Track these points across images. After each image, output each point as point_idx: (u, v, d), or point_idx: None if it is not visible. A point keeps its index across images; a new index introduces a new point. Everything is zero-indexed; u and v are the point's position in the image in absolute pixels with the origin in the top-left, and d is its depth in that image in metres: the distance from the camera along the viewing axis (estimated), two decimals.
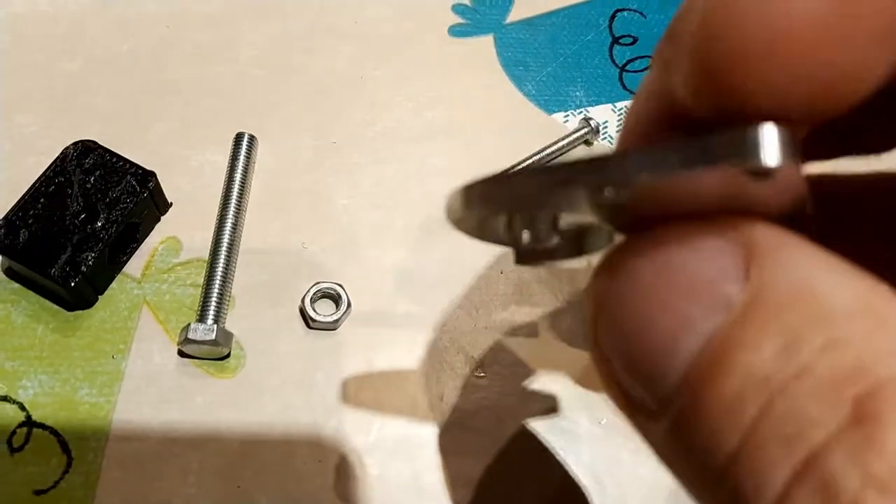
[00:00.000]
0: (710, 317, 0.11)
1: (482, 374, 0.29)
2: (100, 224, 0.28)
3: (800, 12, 0.10)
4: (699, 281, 0.12)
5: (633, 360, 0.12)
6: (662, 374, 0.12)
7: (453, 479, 0.27)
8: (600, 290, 0.13)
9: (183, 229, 0.31)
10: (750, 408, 0.11)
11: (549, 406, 0.28)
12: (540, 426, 0.28)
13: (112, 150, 0.30)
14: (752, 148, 0.10)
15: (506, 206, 0.13)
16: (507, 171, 0.13)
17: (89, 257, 0.28)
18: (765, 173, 0.10)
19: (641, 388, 0.12)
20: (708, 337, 0.11)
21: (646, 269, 0.12)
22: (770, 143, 0.10)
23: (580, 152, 0.34)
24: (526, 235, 0.15)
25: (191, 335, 0.27)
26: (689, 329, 0.11)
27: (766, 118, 0.10)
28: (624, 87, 0.36)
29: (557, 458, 0.27)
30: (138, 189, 0.29)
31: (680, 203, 0.12)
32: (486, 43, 0.36)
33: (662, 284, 0.12)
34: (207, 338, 0.27)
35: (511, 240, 0.15)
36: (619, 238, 0.14)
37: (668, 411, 0.12)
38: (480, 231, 0.15)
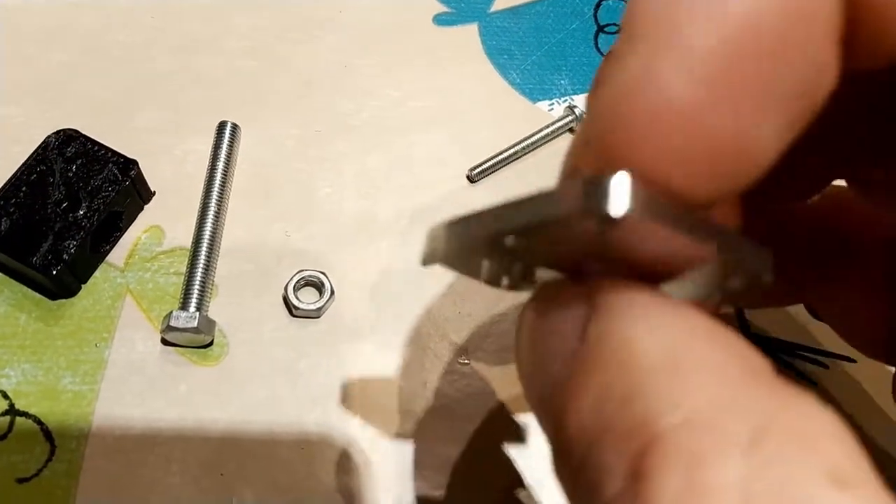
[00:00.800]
0: (558, 370, 0.13)
1: (466, 361, 0.29)
2: (82, 212, 0.28)
3: (669, 108, 0.11)
4: (555, 337, 0.13)
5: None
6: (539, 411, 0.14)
7: (438, 465, 0.27)
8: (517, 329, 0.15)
9: (166, 218, 0.31)
10: (573, 459, 0.12)
11: None
12: (523, 412, 0.28)
13: (95, 139, 0.30)
14: (596, 197, 0.10)
15: (458, 262, 0.14)
16: (457, 218, 0.13)
17: (71, 245, 0.28)
18: (608, 221, 0.10)
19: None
20: (559, 387, 0.12)
21: (528, 317, 0.14)
22: (615, 194, 0.10)
23: (565, 141, 0.34)
24: (504, 281, 0.15)
25: (173, 322, 0.27)
26: (545, 379, 0.13)
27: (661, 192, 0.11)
28: None
29: (539, 442, 0.27)
30: (120, 177, 0.29)
31: (557, 254, 0.13)
32: (470, 31, 0.36)
33: (534, 337, 0.14)
34: (189, 325, 0.27)
35: (494, 281, 0.15)
36: None
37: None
38: (467, 271, 0.15)
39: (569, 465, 0.12)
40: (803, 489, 0.10)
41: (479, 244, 0.13)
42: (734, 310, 0.30)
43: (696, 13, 0.11)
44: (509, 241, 0.12)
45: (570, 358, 0.13)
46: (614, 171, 0.11)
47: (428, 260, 0.14)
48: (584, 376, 0.12)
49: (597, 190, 0.10)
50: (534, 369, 0.14)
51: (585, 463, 0.12)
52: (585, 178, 0.11)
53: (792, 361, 0.30)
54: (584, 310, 0.13)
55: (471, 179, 0.32)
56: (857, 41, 0.12)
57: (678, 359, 0.11)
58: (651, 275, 0.13)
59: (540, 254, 0.13)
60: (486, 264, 0.14)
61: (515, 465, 0.27)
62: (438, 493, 0.27)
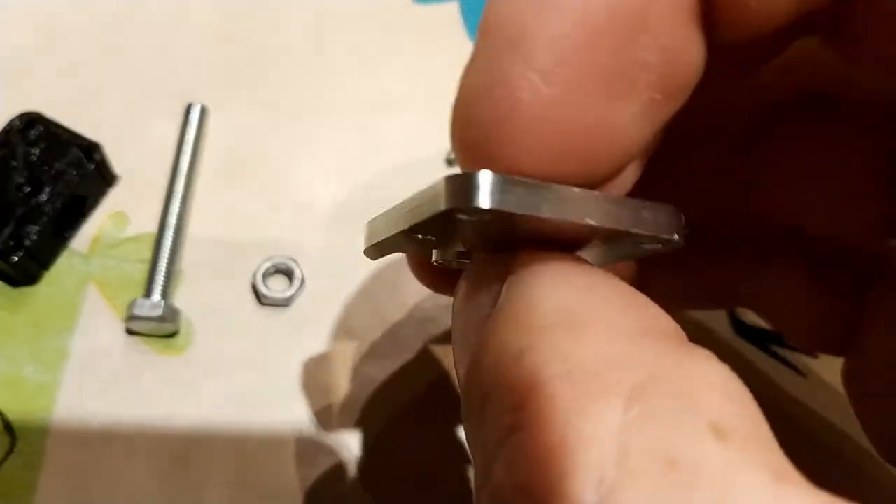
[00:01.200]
0: (474, 340, 0.13)
1: (440, 349, 0.28)
2: (44, 197, 0.27)
3: (518, 107, 0.12)
4: (475, 307, 0.13)
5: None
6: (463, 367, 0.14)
7: (412, 459, 0.26)
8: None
9: (131, 204, 0.30)
10: (471, 422, 0.12)
11: None
12: None
13: (58, 122, 0.29)
14: (464, 192, 0.11)
15: (392, 246, 0.15)
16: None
17: (33, 231, 0.27)
18: (479, 213, 0.12)
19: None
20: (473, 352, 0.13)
21: (457, 293, 0.15)
22: (481, 188, 0.11)
23: None
24: (435, 255, 0.16)
25: (136, 311, 0.26)
26: (466, 340, 0.13)
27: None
28: None
29: None
30: (84, 161, 0.28)
31: (466, 238, 0.14)
32: (451, 10, 0.35)
33: (459, 310, 0.14)
34: (154, 314, 0.26)
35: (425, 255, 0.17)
36: None
37: None
38: (398, 250, 0.17)
39: (469, 425, 0.12)
40: (682, 440, 0.10)
41: (399, 238, 0.14)
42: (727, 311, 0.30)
43: (541, 8, 0.12)
44: (420, 233, 0.13)
45: (484, 320, 0.13)
46: (480, 167, 0.12)
47: (367, 253, 0.15)
48: (489, 335, 0.12)
49: (464, 186, 0.11)
50: (458, 343, 0.14)
51: (480, 420, 0.12)
52: (452, 176, 0.12)
53: (781, 352, 0.29)
54: (502, 275, 0.13)
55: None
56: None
57: (573, 316, 0.11)
58: (563, 244, 0.14)
59: (452, 239, 0.14)
60: (414, 250, 0.16)
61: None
62: (411, 487, 0.26)
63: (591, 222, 0.12)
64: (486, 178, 0.11)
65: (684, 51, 0.12)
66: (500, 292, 0.13)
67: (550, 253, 0.13)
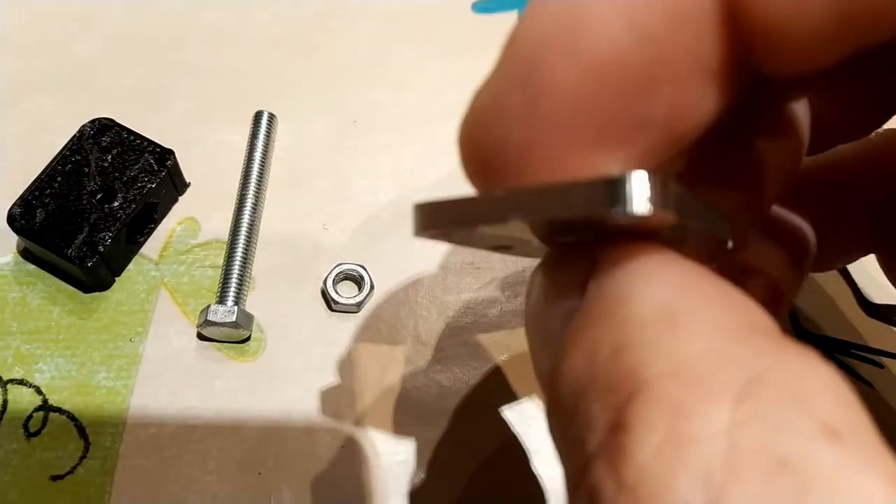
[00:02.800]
0: (558, 328, 0.13)
1: (508, 357, 0.28)
2: (117, 203, 0.28)
3: (512, 144, 0.12)
4: (557, 295, 0.13)
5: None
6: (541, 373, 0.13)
7: (479, 464, 0.26)
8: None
9: (201, 210, 0.30)
10: (562, 416, 0.12)
11: None
12: None
13: (130, 128, 0.29)
14: (620, 197, 0.11)
15: (450, 233, 0.14)
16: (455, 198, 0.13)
17: (106, 237, 0.27)
18: (637, 218, 0.11)
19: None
20: (558, 343, 0.12)
21: (535, 279, 0.14)
22: (637, 192, 0.11)
23: None
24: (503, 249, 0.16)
25: (210, 317, 0.26)
26: (549, 336, 0.13)
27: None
28: None
29: None
30: (156, 167, 0.28)
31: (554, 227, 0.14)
32: (511, 19, 0.35)
33: (539, 297, 0.14)
34: (228, 319, 0.26)
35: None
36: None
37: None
38: (452, 241, 0.16)
39: (558, 423, 0.12)
40: (793, 440, 0.09)
41: (478, 228, 0.13)
42: (788, 311, 0.29)
43: (557, 52, 0.12)
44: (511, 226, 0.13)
45: (570, 315, 0.12)
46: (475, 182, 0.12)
47: (422, 235, 0.14)
48: (580, 331, 0.12)
49: (619, 190, 0.11)
50: (537, 330, 0.14)
51: (573, 418, 0.11)
52: (603, 180, 0.11)
53: (847, 361, 0.28)
54: (586, 268, 0.13)
55: None
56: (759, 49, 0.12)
57: (672, 311, 0.11)
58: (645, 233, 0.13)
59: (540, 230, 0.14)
60: (482, 237, 0.14)
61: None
62: (477, 490, 0.26)
63: (730, 243, 0.13)
64: (642, 181, 0.11)
65: (692, 107, 0.12)
66: (584, 287, 0.12)
67: (638, 244, 0.12)
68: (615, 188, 0.11)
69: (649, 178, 0.11)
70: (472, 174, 0.13)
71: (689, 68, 0.12)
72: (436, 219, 0.13)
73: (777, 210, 0.20)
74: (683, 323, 0.11)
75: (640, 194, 0.11)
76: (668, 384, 0.10)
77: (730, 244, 0.14)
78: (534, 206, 0.12)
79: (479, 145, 0.13)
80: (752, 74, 0.13)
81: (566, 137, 0.12)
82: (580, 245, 0.13)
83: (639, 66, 0.12)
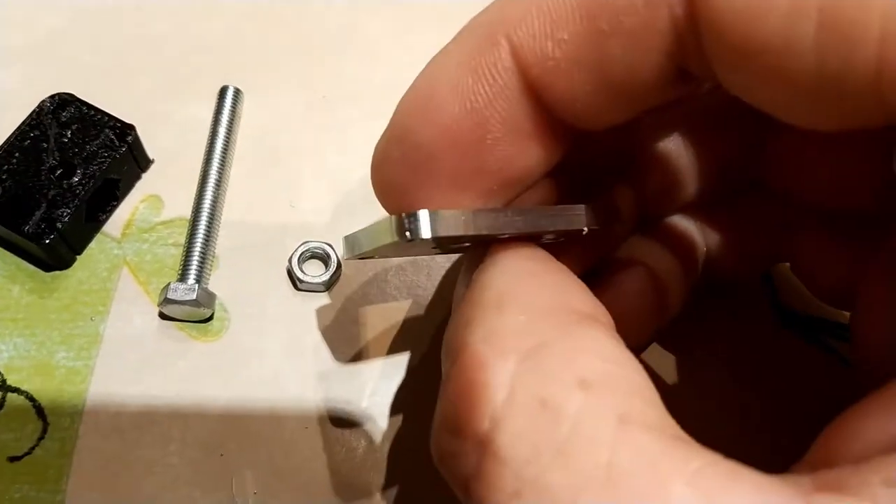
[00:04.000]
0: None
1: None
2: (76, 179, 0.27)
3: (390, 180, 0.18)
4: (462, 284, 0.18)
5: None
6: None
7: None
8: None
9: (165, 187, 0.29)
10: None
11: None
12: None
13: (91, 103, 0.28)
14: (407, 227, 0.16)
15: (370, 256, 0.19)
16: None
17: (65, 214, 0.26)
18: (422, 240, 0.16)
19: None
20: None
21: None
22: (420, 224, 0.16)
23: None
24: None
25: (171, 295, 0.25)
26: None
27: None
28: None
29: None
30: (117, 143, 0.28)
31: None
32: None
33: (458, 286, 0.19)
34: (188, 298, 0.25)
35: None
36: None
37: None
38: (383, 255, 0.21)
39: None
40: (554, 388, 0.13)
41: (387, 247, 0.17)
42: (764, 281, 0.29)
43: (419, 118, 0.17)
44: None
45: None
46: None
47: (347, 257, 0.19)
48: (455, 312, 0.16)
49: (406, 222, 0.16)
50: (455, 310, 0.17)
51: (450, 378, 0.15)
52: (399, 216, 0.16)
53: (832, 342, 0.28)
54: (476, 267, 0.17)
55: None
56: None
57: (502, 297, 0.15)
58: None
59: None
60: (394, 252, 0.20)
61: None
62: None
63: (505, 235, 0.17)
64: (424, 215, 0.16)
65: (517, 158, 0.17)
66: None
67: (514, 244, 0.17)
68: (400, 222, 0.16)
69: (427, 214, 0.16)
70: (379, 199, 0.18)
71: (505, 130, 0.16)
72: (353, 246, 0.19)
73: (670, 217, 0.24)
74: (506, 304, 0.15)
75: (415, 226, 0.16)
76: (479, 345, 0.14)
77: (584, 230, 0.18)
78: (379, 235, 0.17)
79: (377, 181, 0.18)
80: (572, 129, 0.17)
81: (427, 180, 0.17)
82: (476, 246, 0.18)
83: (469, 130, 0.16)
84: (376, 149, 0.18)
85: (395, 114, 0.18)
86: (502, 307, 0.15)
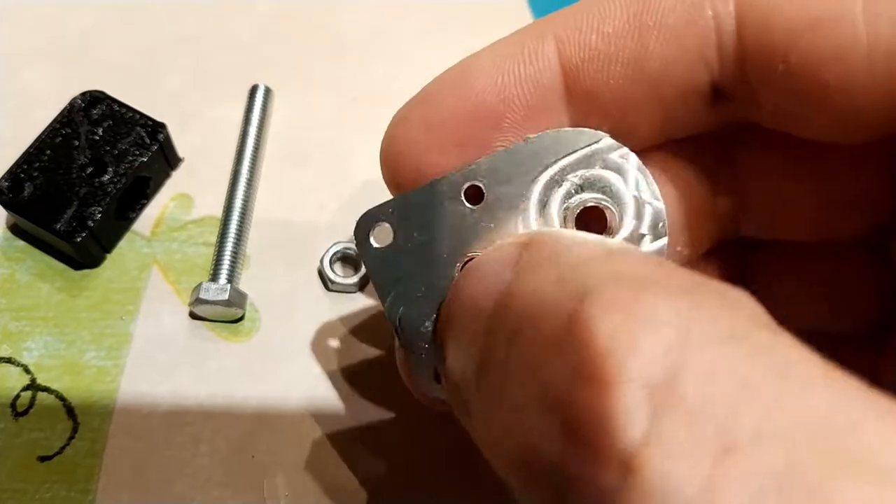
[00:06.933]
0: (497, 292, 0.15)
1: None
2: (107, 177, 0.27)
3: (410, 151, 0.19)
4: (495, 265, 0.16)
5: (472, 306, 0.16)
6: (480, 313, 0.15)
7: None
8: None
9: (195, 186, 0.29)
10: (496, 348, 0.14)
11: None
12: None
13: (122, 101, 0.28)
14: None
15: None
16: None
17: (96, 212, 0.26)
18: None
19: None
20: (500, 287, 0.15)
21: (470, 279, 0.17)
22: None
23: None
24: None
25: (202, 295, 0.25)
26: (477, 311, 0.15)
27: None
28: None
29: None
30: (148, 141, 0.27)
31: None
32: None
33: (478, 284, 0.16)
34: (220, 298, 0.25)
35: None
36: None
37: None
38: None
39: (491, 368, 0.14)
40: (736, 324, 0.12)
41: None
42: None
43: (444, 90, 0.18)
44: None
45: (504, 275, 0.15)
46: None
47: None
48: (518, 286, 0.15)
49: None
50: (466, 316, 0.16)
51: (510, 352, 0.14)
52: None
53: None
54: (515, 250, 0.16)
55: None
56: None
57: (606, 250, 0.14)
58: None
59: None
60: None
61: None
62: (479, 471, 0.25)
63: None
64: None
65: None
66: (517, 260, 0.15)
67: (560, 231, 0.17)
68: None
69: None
70: (383, 157, 0.19)
71: (525, 115, 0.18)
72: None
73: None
74: (617, 255, 0.14)
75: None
76: (616, 287, 0.12)
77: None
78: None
79: (388, 137, 0.19)
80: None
81: (437, 142, 0.18)
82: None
83: (491, 105, 0.17)
84: (398, 111, 0.19)
85: (426, 85, 0.19)
86: (613, 255, 0.14)
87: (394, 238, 0.18)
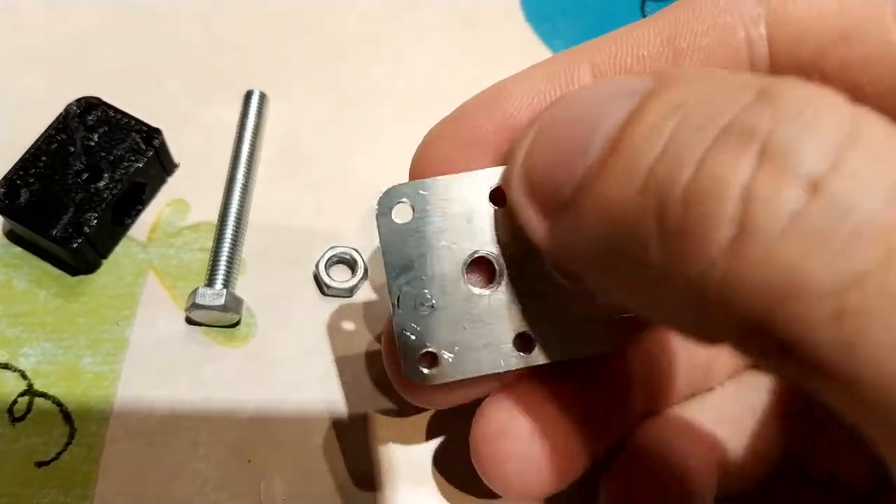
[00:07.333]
0: (623, 104, 0.14)
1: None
2: (103, 183, 0.27)
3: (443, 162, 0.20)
4: (612, 96, 0.15)
5: (564, 144, 0.15)
6: (586, 148, 0.15)
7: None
8: (546, 113, 0.17)
9: (191, 191, 0.29)
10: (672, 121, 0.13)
11: None
12: None
13: (117, 107, 0.28)
14: None
15: None
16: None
17: (92, 218, 0.26)
18: None
19: (567, 170, 0.15)
20: (620, 113, 0.14)
21: (575, 94, 0.17)
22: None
23: None
24: None
25: (199, 300, 0.25)
26: (608, 114, 0.15)
27: None
28: None
29: None
30: (143, 147, 0.28)
31: None
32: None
33: (588, 96, 0.16)
34: (216, 303, 0.25)
35: None
36: None
37: (588, 185, 0.15)
38: None
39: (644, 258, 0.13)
40: None
41: None
42: None
43: (476, 109, 0.19)
44: None
45: (634, 93, 0.14)
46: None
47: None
48: (674, 80, 0.14)
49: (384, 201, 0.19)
50: (582, 118, 0.15)
51: (681, 230, 0.13)
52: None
53: None
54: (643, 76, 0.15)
55: None
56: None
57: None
58: None
59: None
60: None
61: None
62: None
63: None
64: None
65: None
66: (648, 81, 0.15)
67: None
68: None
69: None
70: (414, 169, 0.20)
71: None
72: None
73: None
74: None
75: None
76: (794, 86, 0.13)
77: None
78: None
79: (421, 152, 0.20)
80: None
81: (471, 158, 0.19)
82: None
83: (525, 125, 0.17)
84: (431, 129, 0.20)
85: (460, 105, 0.20)
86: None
87: (412, 218, 0.18)
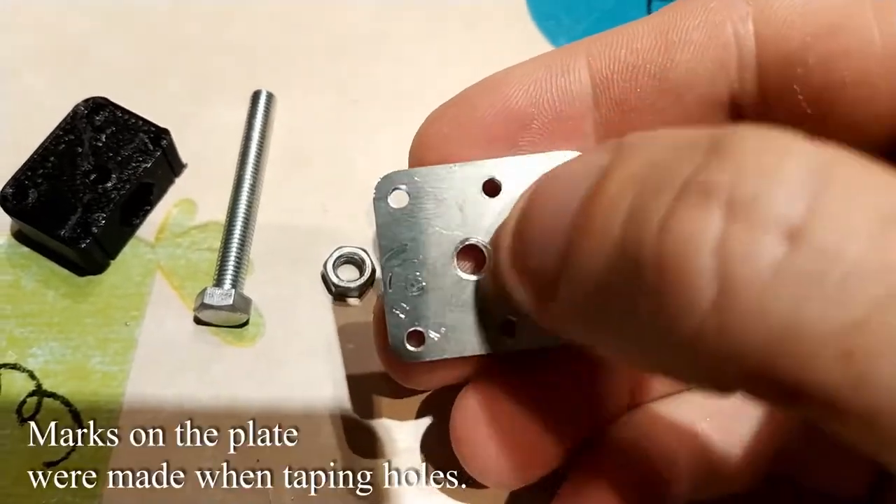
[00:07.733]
0: (587, 183, 0.15)
1: None
2: (111, 184, 0.27)
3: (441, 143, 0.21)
4: (579, 175, 0.16)
5: (542, 227, 0.16)
6: (562, 226, 0.15)
7: None
8: (530, 194, 0.18)
9: (199, 191, 0.29)
10: (631, 272, 0.14)
11: None
12: None
13: (125, 108, 0.28)
14: None
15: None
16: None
17: (100, 218, 0.26)
18: None
19: (548, 250, 0.16)
20: (586, 190, 0.15)
21: (547, 182, 0.17)
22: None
23: None
24: None
25: (207, 300, 0.25)
26: (570, 198, 0.16)
27: None
28: None
29: None
30: (151, 147, 0.28)
31: None
32: None
33: (559, 186, 0.17)
34: (225, 303, 0.25)
35: None
36: None
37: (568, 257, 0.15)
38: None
39: (616, 295, 0.14)
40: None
41: None
42: None
43: (479, 95, 0.20)
44: None
45: (599, 168, 0.15)
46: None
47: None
48: (626, 156, 0.15)
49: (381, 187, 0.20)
50: (555, 207, 0.16)
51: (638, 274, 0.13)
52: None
53: None
54: (607, 149, 0.16)
55: None
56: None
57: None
58: None
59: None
60: None
61: None
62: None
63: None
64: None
65: (549, 149, 0.20)
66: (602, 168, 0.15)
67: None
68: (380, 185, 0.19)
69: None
70: (414, 150, 0.21)
71: (552, 121, 0.19)
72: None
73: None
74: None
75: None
76: (745, 136, 0.13)
77: None
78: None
79: (421, 133, 0.21)
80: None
81: (468, 136, 0.20)
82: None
83: (522, 108, 0.19)
84: (433, 111, 0.21)
85: (462, 90, 0.20)
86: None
87: (408, 204, 0.19)
